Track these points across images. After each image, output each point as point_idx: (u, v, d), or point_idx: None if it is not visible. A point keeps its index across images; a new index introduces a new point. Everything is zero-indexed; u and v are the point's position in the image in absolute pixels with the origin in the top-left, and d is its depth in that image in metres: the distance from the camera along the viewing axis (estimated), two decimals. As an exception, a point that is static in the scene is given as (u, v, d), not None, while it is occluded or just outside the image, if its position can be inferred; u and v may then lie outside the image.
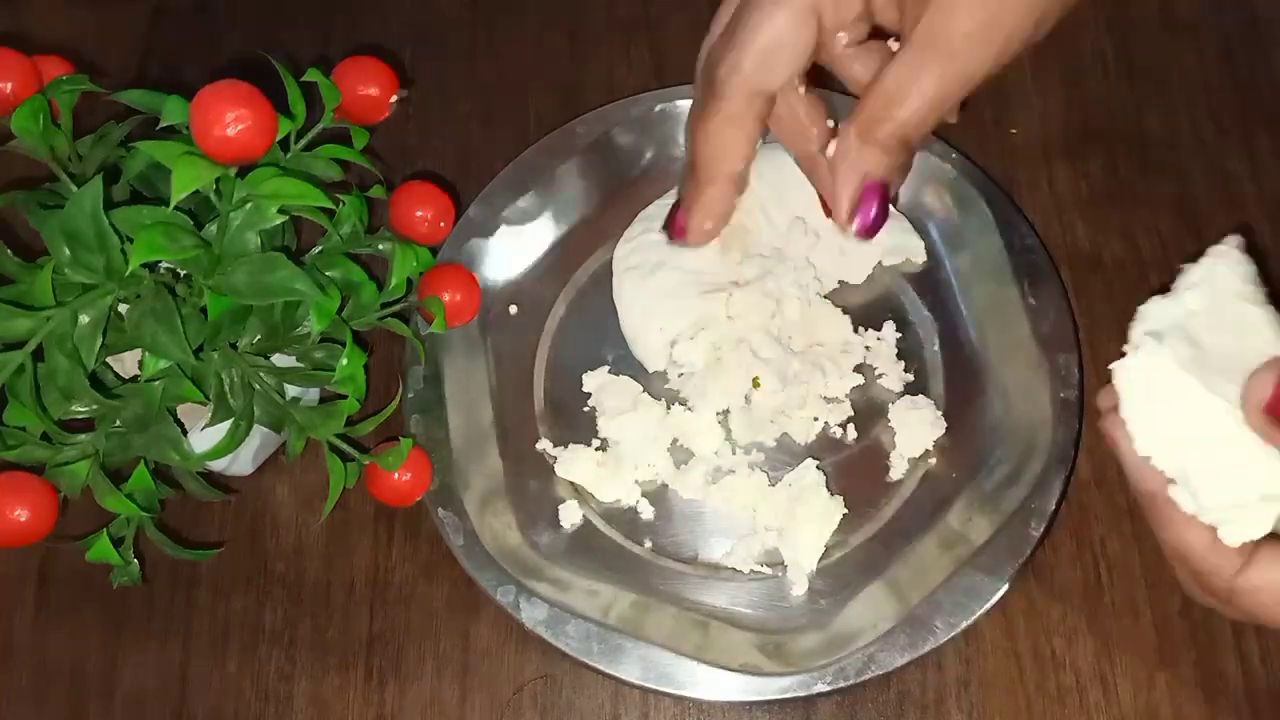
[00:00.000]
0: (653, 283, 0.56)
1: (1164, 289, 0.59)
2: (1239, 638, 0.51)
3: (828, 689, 0.48)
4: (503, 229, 0.59)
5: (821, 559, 0.52)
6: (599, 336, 0.58)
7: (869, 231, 0.45)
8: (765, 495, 0.53)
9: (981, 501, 0.52)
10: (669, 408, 0.55)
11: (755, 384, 0.55)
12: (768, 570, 0.52)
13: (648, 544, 0.53)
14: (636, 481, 0.54)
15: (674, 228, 0.48)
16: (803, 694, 0.48)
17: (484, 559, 0.51)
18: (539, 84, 0.66)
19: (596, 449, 0.55)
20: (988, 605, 0.49)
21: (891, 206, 0.54)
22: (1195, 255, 0.59)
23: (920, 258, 0.59)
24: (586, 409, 0.56)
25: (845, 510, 0.53)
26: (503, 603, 0.50)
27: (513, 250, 0.59)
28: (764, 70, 0.41)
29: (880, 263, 0.59)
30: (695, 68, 0.46)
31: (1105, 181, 0.62)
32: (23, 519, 0.43)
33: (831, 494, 0.53)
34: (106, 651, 0.52)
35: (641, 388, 0.56)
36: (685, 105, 0.61)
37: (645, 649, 0.49)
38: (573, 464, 0.54)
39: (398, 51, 0.66)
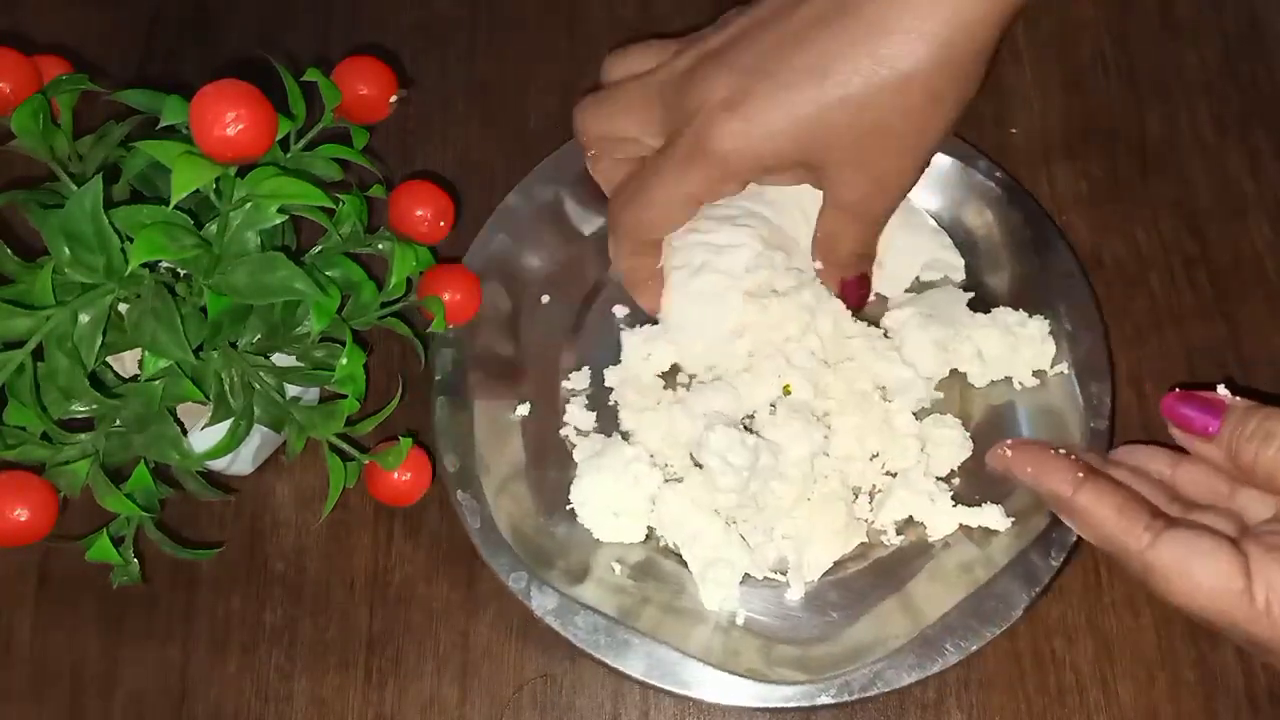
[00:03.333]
0: (695, 285, 0.56)
1: (1163, 289, 0.59)
2: (1239, 638, 0.51)
3: (831, 702, 0.48)
4: (540, 219, 0.59)
5: (838, 573, 0.52)
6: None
7: (859, 304, 0.56)
8: (788, 505, 0.52)
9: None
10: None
11: (786, 391, 0.54)
12: (781, 578, 0.52)
13: (662, 542, 0.53)
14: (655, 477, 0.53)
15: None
16: (805, 704, 0.48)
17: (498, 544, 0.51)
18: (539, 84, 0.66)
19: (620, 440, 0.54)
20: (1000, 631, 0.49)
21: (933, 221, 0.59)
22: (1195, 255, 0.60)
23: (959, 275, 0.58)
24: (611, 403, 0.56)
25: (864, 540, 0.52)
26: (514, 589, 0.50)
27: (549, 241, 0.59)
28: (645, 232, 0.55)
29: (918, 278, 0.58)
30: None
31: (1105, 181, 0.62)
32: (23, 519, 0.42)
33: (855, 514, 0.53)
34: (106, 651, 0.52)
35: (664, 384, 0.56)
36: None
37: (651, 646, 0.49)
38: (593, 453, 0.54)
39: (398, 51, 0.66)
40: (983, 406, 0.56)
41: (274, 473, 0.55)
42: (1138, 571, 0.42)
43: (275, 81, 0.46)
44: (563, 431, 0.55)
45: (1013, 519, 0.52)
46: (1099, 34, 0.66)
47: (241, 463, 0.53)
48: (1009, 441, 0.49)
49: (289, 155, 0.48)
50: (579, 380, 0.57)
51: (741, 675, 0.48)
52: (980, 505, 0.52)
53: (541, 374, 0.57)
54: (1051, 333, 0.55)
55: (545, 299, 0.59)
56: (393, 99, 0.50)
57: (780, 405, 0.53)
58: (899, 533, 0.53)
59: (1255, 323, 0.58)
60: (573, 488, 0.53)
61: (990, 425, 0.55)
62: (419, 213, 0.52)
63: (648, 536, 0.53)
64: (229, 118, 0.40)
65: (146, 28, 0.68)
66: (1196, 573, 0.39)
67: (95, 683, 0.52)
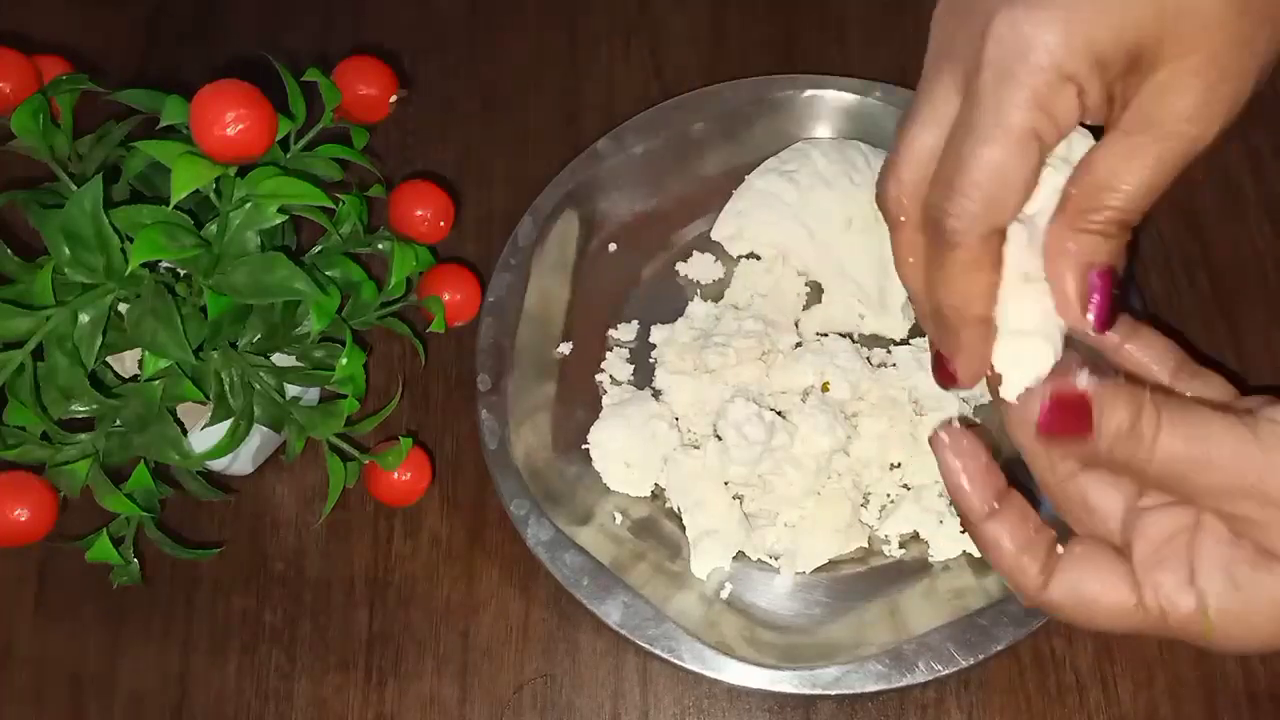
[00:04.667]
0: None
1: (1163, 289, 0.59)
2: (1239, 637, 0.51)
3: (792, 691, 0.48)
4: (624, 168, 0.59)
5: (832, 570, 0.52)
6: (685, 297, 0.58)
7: (1105, 323, 0.39)
8: (797, 494, 0.52)
9: None
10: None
11: (825, 389, 0.54)
12: (774, 563, 0.52)
13: (667, 504, 0.53)
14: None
15: (943, 376, 0.42)
16: (765, 688, 0.48)
17: (510, 469, 0.52)
18: (539, 84, 0.66)
19: (650, 396, 0.55)
20: (974, 663, 0.48)
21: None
22: (1196, 255, 0.60)
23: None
24: (651, 359, 0.57)
25: (865, 545, 0.52)
26: (514, 515, 0.51)
27: (628, 192, 0.60)
28: (994, 211, 0.38)
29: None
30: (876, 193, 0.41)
31: (1105, 181, 0.62)
32: (23, 519, 0.43)
33: (861, 518, 0.53)
34: (106, 652, 0.52)
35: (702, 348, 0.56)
36: (826, 95, 0.61)
37: (632, 599, 0.49)
38: (619, 401, 0.55)
39: (398, 51, 0.66)
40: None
41: (274, 473, 0.55)
42: (1035, 606, 0.40)
43: (275, 81, 0.46)
44: (598, 377, 0.56)
45: None
46: (1099, 34, 0.66)
47: (241, 463, 0.53)
48: (948, 428, 0.40)
49: (289, 155, 0.48)
50: (626, 332, 0.58)
51: (711, 646, 0.48)
52: None
53: (591, 318, 0.58)
54: None
55: (612, 247, 0.60)
56: (393, 99, 0.50)
57: (812, 396, 0.54)
58: (901, 546, 0.53)
59: (1255, 323, 0.58)
60: (592, 430, 0.54)
61: (1019, 463, 0.54)
62: (419, 213, 0.52)
63: (655, 495, 0.54)
64: (229, 118, 0.40)
65: (146, 28, 0.68)
66: (1092, 610, 0.38)
67: (95, 683, 0.52)
